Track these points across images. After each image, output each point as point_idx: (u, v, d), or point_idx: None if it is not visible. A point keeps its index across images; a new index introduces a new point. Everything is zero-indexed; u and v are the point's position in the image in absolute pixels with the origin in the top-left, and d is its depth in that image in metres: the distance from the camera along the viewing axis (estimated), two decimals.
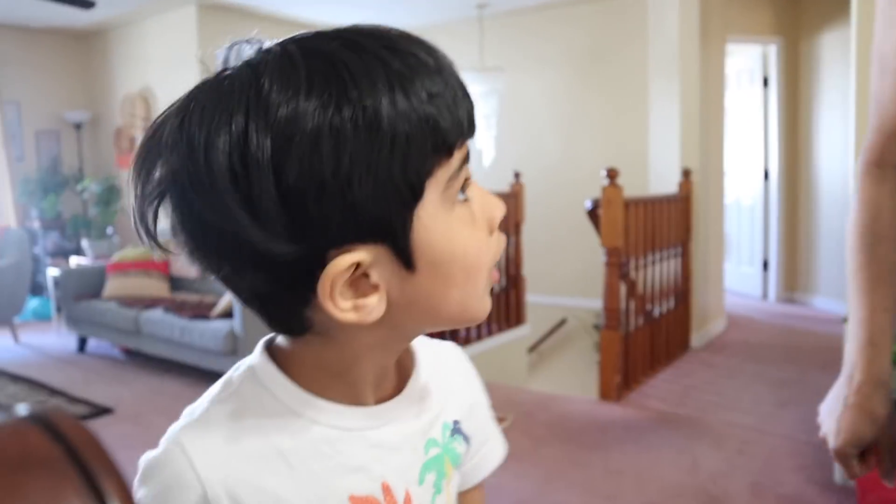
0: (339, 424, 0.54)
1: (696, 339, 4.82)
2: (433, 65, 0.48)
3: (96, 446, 0.28)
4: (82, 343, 5.04)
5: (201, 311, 4.15)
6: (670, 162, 4.86)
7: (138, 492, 0.50)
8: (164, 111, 0.51)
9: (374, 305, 0.48)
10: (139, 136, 5.93)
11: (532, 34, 6.25)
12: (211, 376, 4.08)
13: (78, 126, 6.82)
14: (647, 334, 4.18)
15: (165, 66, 6.19)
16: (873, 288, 0.88)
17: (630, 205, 3.86)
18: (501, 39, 6.34)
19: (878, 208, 0.90)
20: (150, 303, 4.53)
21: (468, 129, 0.49)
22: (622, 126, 5.73)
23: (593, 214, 4.24)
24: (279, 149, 0.44)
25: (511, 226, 4.64)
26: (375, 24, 0.49)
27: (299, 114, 0.44)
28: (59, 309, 5.56)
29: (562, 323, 5.94)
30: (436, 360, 0.64)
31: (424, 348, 0.63)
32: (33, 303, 6.10)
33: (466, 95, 0.49)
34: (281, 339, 0.56)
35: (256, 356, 0.56)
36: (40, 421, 0.28)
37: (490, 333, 4.51)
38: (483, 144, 5.85)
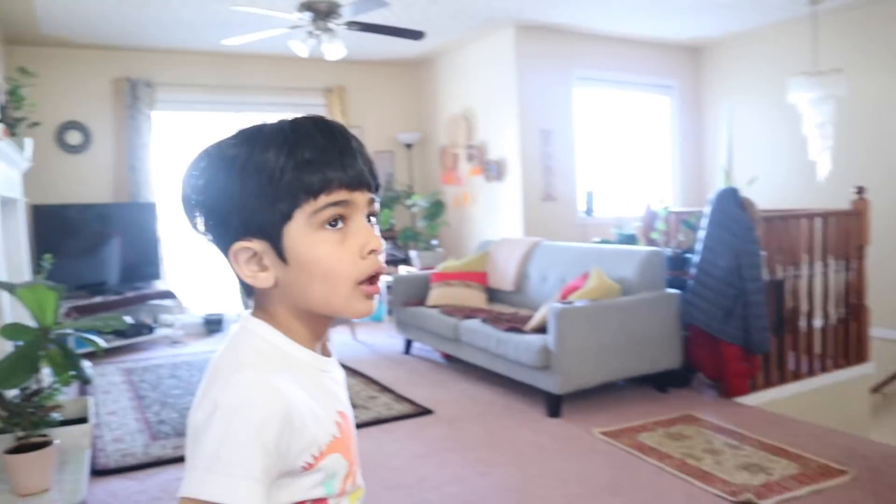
0: (315, 365, 0.83)
1: None
2: (321, 142, 0.76)
3: None
4: (408, 345, 5.49)
5: (516, 324, 4.27)
6: None
7: (234, 419, 0.70)
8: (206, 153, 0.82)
9: (265, 278, 0.79)
10: (462, 154, 6.36)
11: (873, 30, 5.51)
12: (523, 388, 4.23)
13: (408, 146, 7.51)
14: None
15: (486, 87, 6.55)
16: None
17: None
18: (838, 38, 5.69)
19: None
20: (469, 312, 4.78)
21: (338, 185, 0.76)
22: None
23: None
24: (212, 176, 0.79)
25: (851, 249, 4.10)
26: (319, 116, 0.80)
27: (229, 156, 0.78)
28: (390, 312, 6.14)
29: None
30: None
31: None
32: None
33: (352, 164, 0.78)
34: (250, 311, 0.84)
35: (253, 321, 0.82)
36: None
37: (824, 369, 4.04)
38: (816, 156, 5.28)
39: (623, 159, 7.04)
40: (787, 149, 6.21)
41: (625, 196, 6.94)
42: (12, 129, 3.95)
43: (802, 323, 4.45)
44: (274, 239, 0.77)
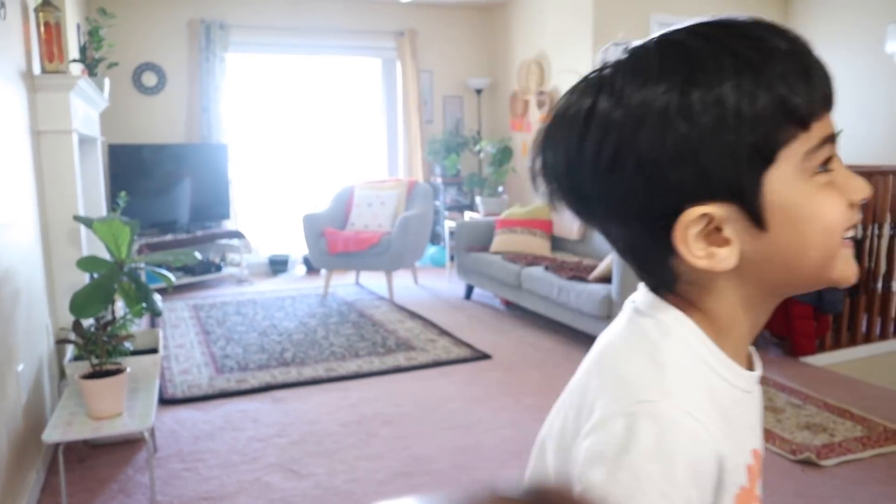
0: (741, 386, 0.60)
1: None
2: (785, 47, 0.53)
3: None
4: (469, 291, 5.51)
5: (579, 273, 4.22)
6: None
7: (646, 463, 0.52)
8: (562, 98, 0.60)
9: (726, 256, 0.55)
10: (533, 101, 6.23)
11: None
12: (583, 337, 4.20)
13: (479, 91, 7.40)
14: None
15: (560, 36, 6.37)
16: None
17: None
18: None
19: None
20: (532, 260, 4.75)
21: (824, 105, 0.54)
22: None
23: None
24: (633, 127, 0.53)
25: None
26: (735, 15, 0.55)
27: (647, 98, 0.53)
28: (452, 258, 6.16)
29: None
30: None
31: None
32: (431, 250, 6.85)
33: (824, 74, 0.54)
34: (652, 296, 0.61)
35: (676, 317, 0.59)
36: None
37: None
38: None
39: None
40: (882, 100, 5.87)
41: None
42: (91, 70, 4.05)
43: (879, 285, 4.26)
44: (748, 196, 0.54)
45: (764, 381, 3.54)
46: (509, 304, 5.14)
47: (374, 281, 6.12)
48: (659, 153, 0.52)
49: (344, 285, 6.03)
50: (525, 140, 6.96)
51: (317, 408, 3.32)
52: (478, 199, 6.64)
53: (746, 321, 0.60)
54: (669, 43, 0.55)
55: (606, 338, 0.64)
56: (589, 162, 0.55)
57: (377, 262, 5.49)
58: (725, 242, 0.55)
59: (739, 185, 0.53)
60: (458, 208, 6.94)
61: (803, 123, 0.53)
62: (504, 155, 6.87)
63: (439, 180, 7.13)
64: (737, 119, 0.51)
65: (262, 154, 6.86)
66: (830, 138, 0.55)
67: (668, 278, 0.59)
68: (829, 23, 6.46)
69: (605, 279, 3.98)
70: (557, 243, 5.31)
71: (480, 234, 5.40)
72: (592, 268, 4.34)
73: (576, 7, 6.13)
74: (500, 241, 5.20)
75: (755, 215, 0.54)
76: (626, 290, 3.69)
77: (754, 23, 0.54)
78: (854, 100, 6.09)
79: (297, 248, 6.79)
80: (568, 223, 5.20)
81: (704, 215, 0.54)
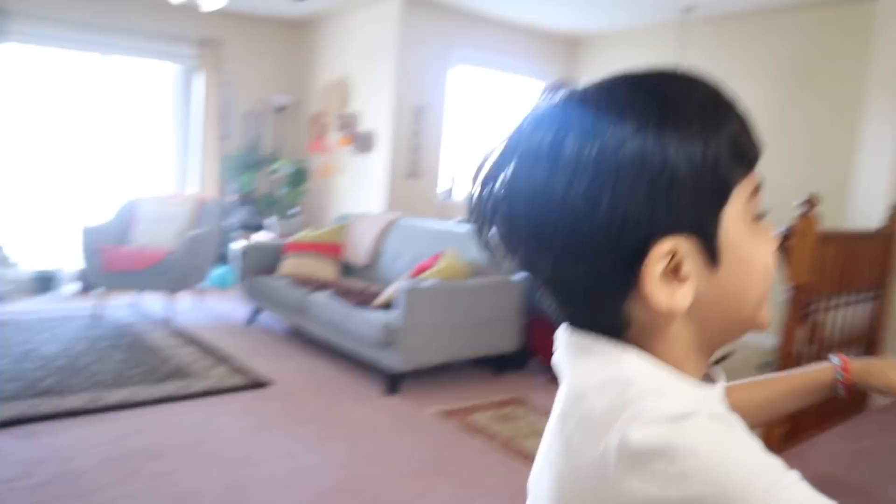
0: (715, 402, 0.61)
1: (880, 397, 4.32)
2: (727, 97, 0.58)
3: None
4: (254, 315, 5.39)
5: (365, 300, 4.28)
6: (875, 193, 4.39)
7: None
8: (510, 132, 0.61)
9: (684, 293, 0.55)
10: (334, 123, 6.21)
11: (735, 42, 5.86)
12: (365, 365, 4.25)
13: (280, 109, 7.29)
14: None
15: (365, 57, 6.46)
16: None
17: (825, 239, 3.51)
18: (703, 47, 6.00)
19: None
20: (319, 285, 4.74)
21: (756, 160, 0.59)
22: (823, 149, 5.23)
23: (780, 245, 3.91)
24: (609, 164, 0.53)
25: None
26: (672, 66, 0.61)
27: (622, 136, 0.54)
28: (239, 279, 5.99)
29: (724, 357, 5.55)
30: None
31: None
32: (219, 271, 6.59)
33: (752, 125, 0.59)
34: (612, 341, 0.59)
35: (634, 363, 0.57)
36: None
37: None
38: None
39: (492, 142, 7.10)
40: None
41: None
42: None
43: None
44: (710, 231, 0.56)
45: (530, 406, 3.81)
46: (295, 330, 5.09)
47: (154, 302, 5.79)
48: (634, 189, 0.53)
49: (121, 306, 5.64)
50: (322, 163, 6.95)
51: (75, 442, 3.08)
52: (270, 221, 6.54)
53: (697, 364, 0.60)
54: (639, 84, 0.58)
55: (562, 398, 0.61)
56: (558, 198, 0.54)
57: (159, 282, 5.21)
58: (683, 281, 0.55)
59: (703, 219, 0.55)
60: (250, 229, 6.77)
61: (750, 165, 0.58)
62: (300, 176, 6.82)
63: (233, 198, 6.92)
64: (703, 156, 0.54)
65: (36, 158, 6.25)
66: (759, 187, 0.59)
67: (619, 322, 0.58)
68: (608, 71, 7.06)
69: (391, 306, 4.07)
70: (347, 268, 5.35)
71: (269, 257, 5.31)
72: (378, 294, 4.42)
73: (381, 31, 6.25)
74: (289, 264, 5.15)
75: (713, 252, 0.56)
76: (407, 317, 3.79)
77: (695, 74, 0.60)
78: None
79: (70, 264, 6.25)
80: (357, 248, 5.26)
81: (669, 251, 0.54)
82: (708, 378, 0.63)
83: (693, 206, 0.54)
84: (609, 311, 0.57)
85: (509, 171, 0.58)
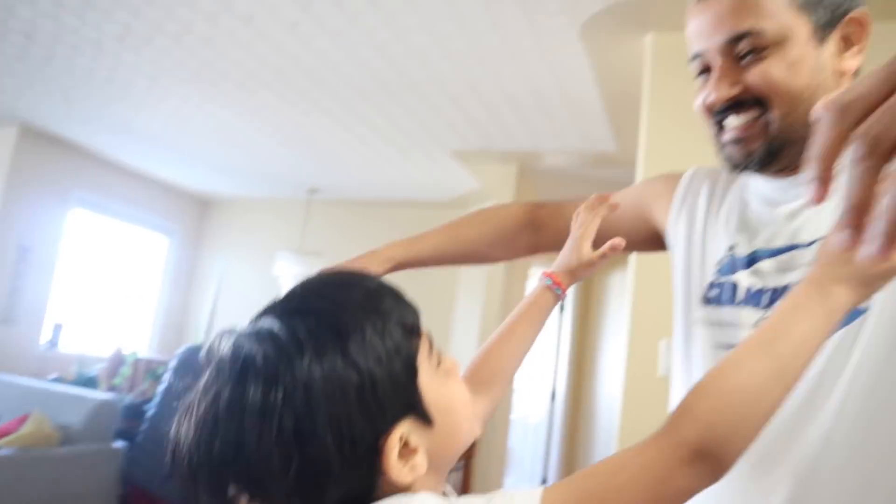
0: None
1: None
2: (373, 286, 0.66)
3: None
4: None
5: None
6: None
7: None
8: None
9: (420, 462, 0.61)
10: None
11: (353, 225, 6.47)
12: None
13: None
14: None
15: None
16: None
17: None
18: (326, 222, 6.49)
19: None
20: None
21: (418, 314, 0.67)
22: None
23: None
24: (314, 398, 0.56)
25: None
26: (333, 275, 0.68)
27: (318, 370, 0.57)
28: None
29: None
30: None
31: None
32: None
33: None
34: None
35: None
36: None
37: None
38: None
39: (106, 294, 6.62)
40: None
41: (97, 333, 6.48)
42: None
43: None
44: (418, 405, 0.63)
45: None
46: None
47: None
48: (348, 409, 0.57)
49: None
50: None
51: None
52: None
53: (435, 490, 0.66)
54: (307, 315, 0.61)
55: None
56: (272, 442, 0.55)
57: None
58: (415, 451, 0.61)
59: (409, 399, 0.62)
60: None
61: (418, 333, 0.65)
62: None
63: None
64: (388, 352, 0.60)
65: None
66: (431, 341, 0.67)
67: (372, 496, 0.61)
68: (237, 236, 7.23)
69: None
70: None
71: None
72: None
73: None
74: None
75: (425, 417, 0.62)
76: None
77: (339, 274, 0.68)
78: (251, 312, 6.77)
79: None
80: None
81: (399, 438, 0.59)
82: (444, 495, 0.69)
83: (397, 394, 0.61)
84: (360, 492, 0.61)
85: (218, 431, 0.57)
